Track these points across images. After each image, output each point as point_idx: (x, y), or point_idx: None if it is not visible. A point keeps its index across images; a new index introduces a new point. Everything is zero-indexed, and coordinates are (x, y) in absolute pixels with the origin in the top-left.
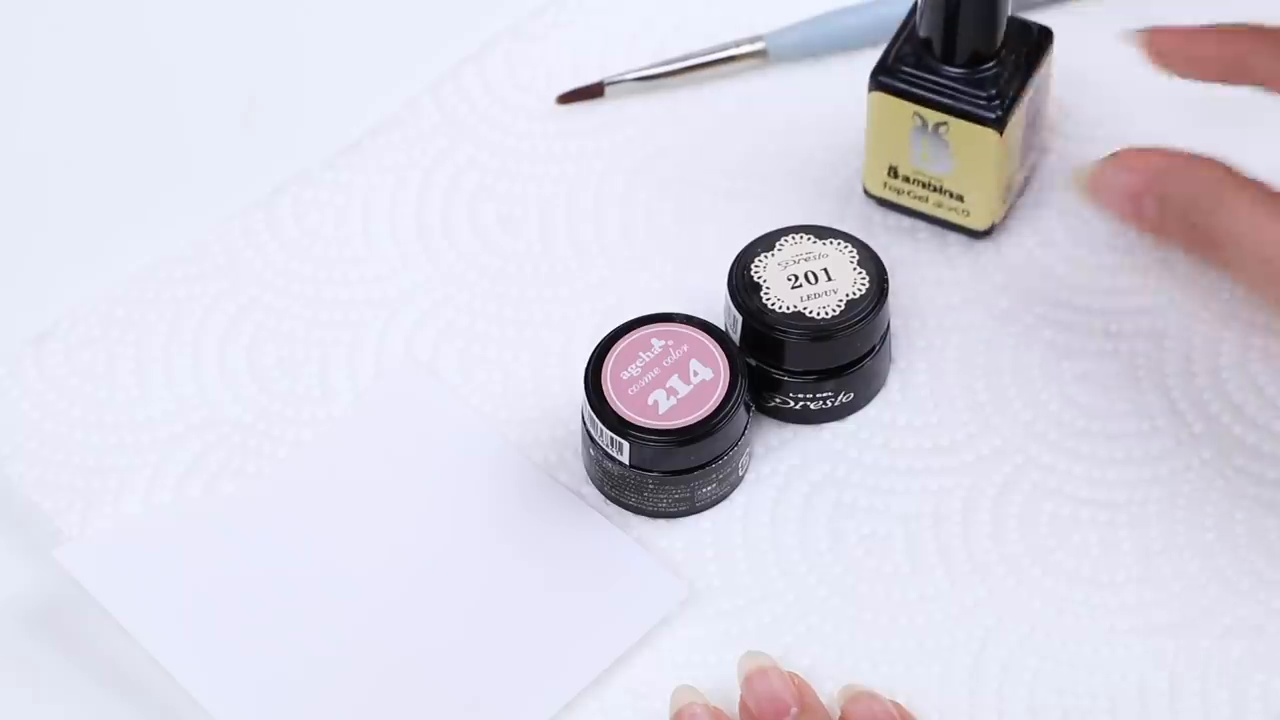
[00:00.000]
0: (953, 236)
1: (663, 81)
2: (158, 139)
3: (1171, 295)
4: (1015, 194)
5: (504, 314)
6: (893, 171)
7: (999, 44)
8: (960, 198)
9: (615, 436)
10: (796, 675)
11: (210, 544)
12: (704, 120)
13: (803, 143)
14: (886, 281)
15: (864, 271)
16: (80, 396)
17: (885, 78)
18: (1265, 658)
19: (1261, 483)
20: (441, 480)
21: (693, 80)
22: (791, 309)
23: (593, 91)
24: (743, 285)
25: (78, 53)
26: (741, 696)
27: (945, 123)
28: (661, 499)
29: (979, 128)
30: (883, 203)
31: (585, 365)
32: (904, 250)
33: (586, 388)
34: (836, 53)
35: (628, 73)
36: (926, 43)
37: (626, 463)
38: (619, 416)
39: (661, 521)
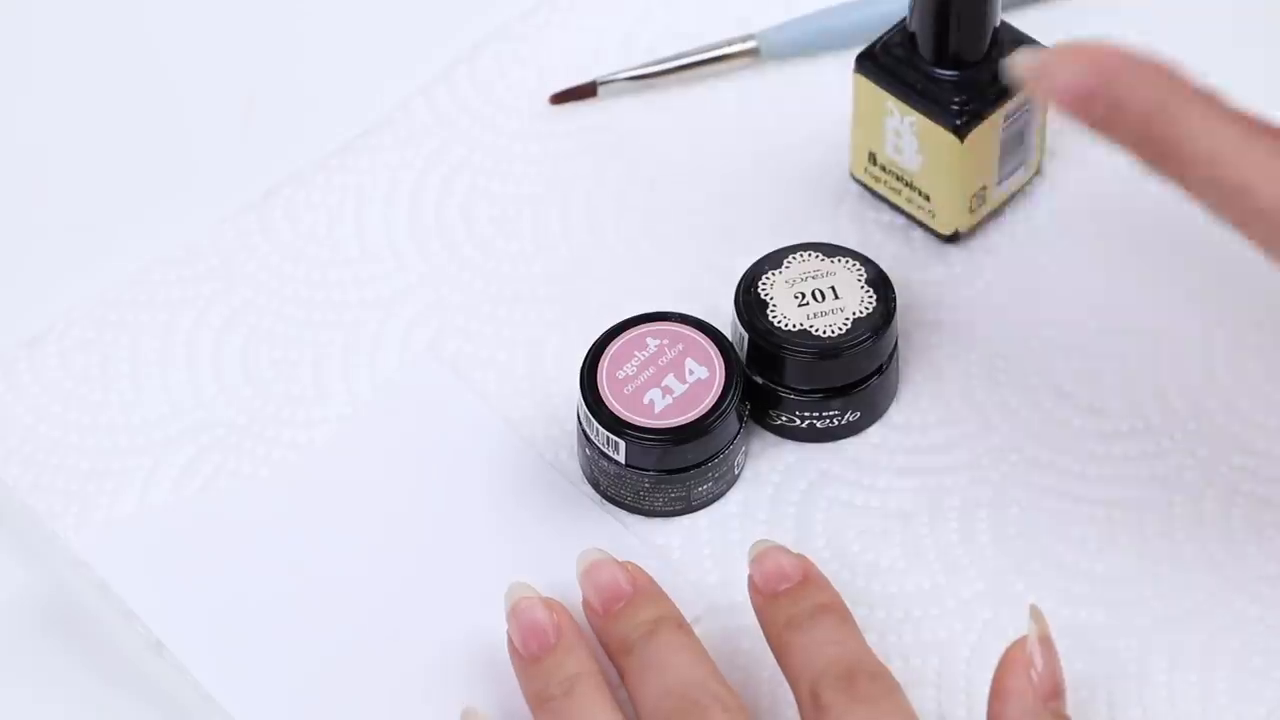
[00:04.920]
0: None
1: (655, 80)
2: (151, 142)
3: (1166, 293)
4: (991, 207)
5: (498, 314)
6: (872, 158)
7: (985, 52)
8: (927, 197)
9: (611, 436)
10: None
11: (224, 535)
12: (697, 119)
13: (795, 141)
14: (894, 301)
15: (871, 290)
16: (74, 400)
17: (869, 62)
18: (1263, 650)
19: (1257, 479)
20: (455, 474)
21: (685, 79)
22: (798, 327)
23: (585, 91)
24: (749, 302)
25: (70, 58)
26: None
27: (913, 118)
28: (657, 498)
29: (942, 130)
30: (865, 189)
31: (580, 364)
32: (898, 247)
33: (582, 387)
34: (829, 51)
35: (620, 72)
36: (914, 38)
37: (622, 462)
38: (615, 416)
39: (658, 520)
